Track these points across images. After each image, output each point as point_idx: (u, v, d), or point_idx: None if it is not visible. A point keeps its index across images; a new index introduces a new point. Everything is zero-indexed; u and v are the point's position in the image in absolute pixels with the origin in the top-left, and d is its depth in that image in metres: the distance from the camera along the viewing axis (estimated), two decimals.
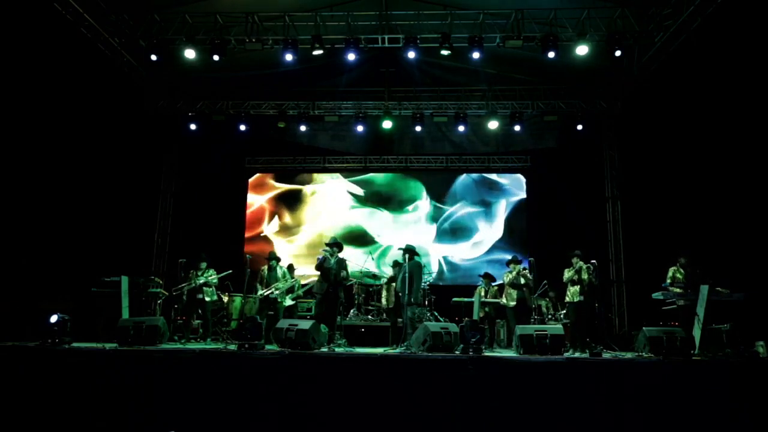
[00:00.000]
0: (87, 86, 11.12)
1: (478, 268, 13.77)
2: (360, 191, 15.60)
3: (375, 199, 15.52)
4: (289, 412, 5.91)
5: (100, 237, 11.67)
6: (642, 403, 5.89)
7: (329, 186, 15.70)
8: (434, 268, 14.46)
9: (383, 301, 10.87)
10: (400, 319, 9.10)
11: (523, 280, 9.30)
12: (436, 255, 14.96)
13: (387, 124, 13.72)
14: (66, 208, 11.14)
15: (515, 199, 15.28)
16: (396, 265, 10.12)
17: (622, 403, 5.92)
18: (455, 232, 15.16)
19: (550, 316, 10.63)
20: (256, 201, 15.68)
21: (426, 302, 10.51)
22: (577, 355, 7.92)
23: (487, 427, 5.82)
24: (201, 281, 9.51)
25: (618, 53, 10.65)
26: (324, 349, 7.24)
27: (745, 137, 10.68)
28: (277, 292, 9.55)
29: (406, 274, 8.30)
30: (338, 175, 15.73)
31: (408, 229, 15.10)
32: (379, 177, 15.71)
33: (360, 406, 5.92)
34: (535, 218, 14.77)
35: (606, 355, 7.27)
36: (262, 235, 15.43)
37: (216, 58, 10.84)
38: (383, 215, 15.39)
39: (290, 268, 10.90)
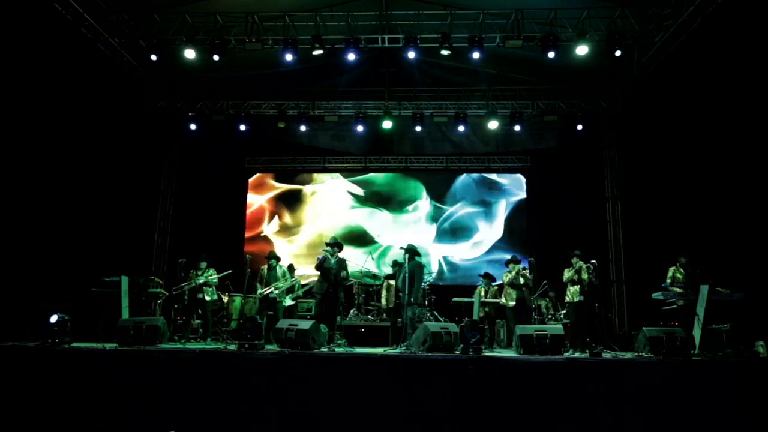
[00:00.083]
0: (87, 86, 11.12)
1: (478, 268, 13.77)
2: (360, 191, 15.60)
3: (375, 199, 15.52)
4: (289, 412, 5.91)
5: (100, 237, 11.67)
6: (642, 403, 5.89)
7: (329, 186, 15.70)
8: (434, 268, 14.47)
9: (383, 301, 10.87)
10: (399, 319, 9.10)
11: (522, 280, 9.29)
12: (435, 255, 14.96)
13: (387, 124, 13.73)
14: (66, 208, 11.13)
15: (515, 199, 15.28)
16: (396, 264, 10.12)
17: (622, 403, 5.92)
18: (455, 232, 15.16)
19: (550, 316, 10.63)
20: (256, 201, 15.68)
21: (426, 302, 10.51)
22: (577, 355, 7.92)
23: (487, 427, 5.82)
24: (201, 281, 9.51)
25: (618, 53, 10.66)
26: (324, 349, 7.24)
27: (745, 137, 10.68)
28: (276, 291, 9.55)
29: (407, 274, 8.30)
30: (338, 175, 15.74)
31: (408, 229, 15.10)
32: (379, 177, 15.71)
33: (360, 406, 5.92)
34: (535, 218, 14.77)
35: (606, 355, 7.27)
36: (262, 235, 15.43)
37: (216, 58, 10.84)
38: (383, 215, 15.39)
39: (290, 268, 10.90)
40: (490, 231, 15.07)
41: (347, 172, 15.73)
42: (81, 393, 6.03)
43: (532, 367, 6.25)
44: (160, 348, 7.02)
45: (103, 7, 10.80)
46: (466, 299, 10.77)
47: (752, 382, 6.01)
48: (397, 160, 15.62)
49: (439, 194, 15.43)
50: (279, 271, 9.88)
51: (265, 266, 9.97)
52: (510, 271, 9.44)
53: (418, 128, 13.93)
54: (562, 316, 10.35)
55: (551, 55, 10.62)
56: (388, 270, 11.64)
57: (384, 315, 10.99)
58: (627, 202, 14.02)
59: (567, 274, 8.84)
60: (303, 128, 14.16)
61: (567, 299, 8.97)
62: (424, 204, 15.41)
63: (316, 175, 15.79)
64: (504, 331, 10.21)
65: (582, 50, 10.79)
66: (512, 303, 9.27)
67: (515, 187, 15.37)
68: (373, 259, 14.08)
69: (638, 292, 12.22)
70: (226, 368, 6.20)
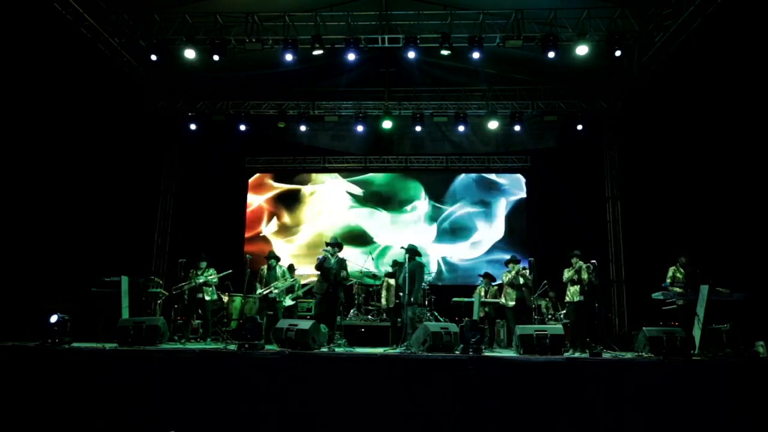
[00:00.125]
0: (87, 86, 11.12)
1: (478, 268, 13.77)
2: (359, 191, 15.60)
3: (373, 199, 15.52)
4: (289, 412, 5.91)
5: (100, 237, 11.67)
6: (642, 403, 5.89)
7: (328, 186, 15.70)
8: (433, 268, 14.46)
9: (383, 301, 10.87)
10: (399, 319, 9.10)
11: (522, 280, 9.29)
12: (434, 255, 14.96)
13: (387, 124, 13.73)
14: (66, 208, 11.13)
15: (514, 198, 15.28)
16: (396, 264, 10.12)
17: (622, 403, 5.92)
18: (454, 232, 15.17)
19: (550, 316, 10.63)
20: (255, 201, 15.68)
21: (426, 302, 10.51)
22: (577, 355, 7.92)
23: (487, 427, 5.82)
24: (201, 281, 9.50)
25: (618, 53, 10.66)
26: (324, 349, 7.24)
27: (744, 137, 10.68)
28: (275, 291, 9.54)
29: (406, 274, 8.30)
30: (336, 175, 15.74)
31: (407, 229, 15.10)
32: (377, 177, 15.71)
33: (360, 406, 5.92)
34: (535, 218, 14.77)
35: (606, 355, 7.27)
36: (261, 235, 15.43)
37: (216, 58, 10.84)
38: (382, 215, 15.39)
39: (291, 268, 10.90)
40: (490, 231, 15.07)
41: (347, 172, 15.73)
42: (81, 393, 6.03)
43: (532, 367, 6.25)
44: (160, 348, 7.02)
45: (103, 7, 10.80)
46: (466, 299, 10.76)
47: (752, 382, 6.01)
48: (397, 160, 15.62)
49: (437, 194, 15.44)
50: (279, 271, 9.88)
51: (265, 266, 9.98)
52: (509, 271, 9.44)
53: (418, 128, 13.93)
54: (562, 316, 10.35)
55: (551, 55, 10.62)
56: (387, 269, 11.64)
57: (384, 315, 10.99)
58: (627, 202, 14.03)
59: (567, 274, 8.84)
60: (303, 128, 14.16)
61: (567, 299, 8.97)
62: (422, 204, 15.41)
63: (314, 175, 15.79)
64: (504, 331, 10.21)
65: (582, 50, 10.79)
66: (512, 303, 9.26)
67: (514, 186, 15.37)
68: (373, 259, 14.08)
69: (638, 292, 12.22)
70: (226, 368, 6.20)
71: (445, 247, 15.06)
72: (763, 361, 6.94)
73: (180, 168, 15.00)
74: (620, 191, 14.18)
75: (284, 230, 15.46)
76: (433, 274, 13.68)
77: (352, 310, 11.33)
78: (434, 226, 15.22)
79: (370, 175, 15.69)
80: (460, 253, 14.98)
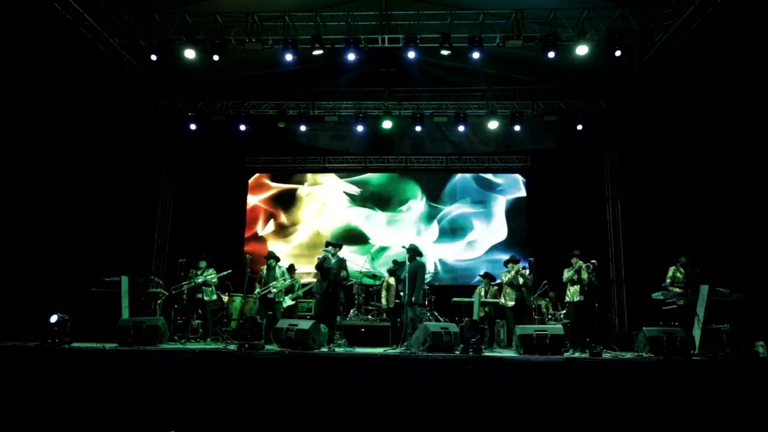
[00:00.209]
0: (87, 86, 11.12)
1: (477, 268, 13.77)
2: (356, 191, 15.59)
3: (370, 199, 15.51)
4: (289, 412, 5.91)
5: (100, 237, 11.67)
6: (642, 403, 5.89)
7: (325, 186, 15.71)
8: (430, 268, 14.43)
9: (383, 301, 10.87)
10: (399, 319, 9.10)
11: (521, 280, 9.28)
12: (431, 255, 14.93)
13: (387, 124, 13.73)
14: (66, 208, 11.13)
15: (511, 197, 15.28)
16: (396, 264, 10.12)
17: (622, 403, 5.92)
18: (450, 231, 15.16)
19: (550, 316, 10.62)
20: (255, 201, 15.67)
21: (426, 302, 10.51)
22: (577, 355, 7.92)
23: (487, 427, 5.82)
24: (200, 281, 9.50)
25: (618, 53, 10.66)
26: (324, 349, 7.24)
27: (744, 137, 10.68)
28: (274, 291, 9.54)
29: (406, 274, 8.30)
30: (333, 175, 15.73)
31: (403, 230, 15.09)
32: (374, 177, 15.71)
33: (360, 406, 5.92)
34: (535, 218, 14.77)
35: (606, 355, 7.27)
36: (260, 235, 15.43)
37: (216, 58, 10.84)
38: (378, 215, 15.38)
39: (291, 268, 10.90)
40: (487, 230, 15.07)
41: (346, 172, 15.73)
42: (81, 393, 6.03)
43: (532, 367, 6.25)
44: (160, 348, 7.02)
45: (103, 7, 10.81)
46: (466, 299, 10.77)
47: (752, 382, 6.01)
48: (396, 160, 15.62)
49: (434, 194, 15.42)
50: (278, 272, 9.87)
51: (265, 266, 9.98)
52: (509, 271, 9.44)
53: (418, 128, 13.93)
54: (562, 316, 10.35)
55: (551, 55, 10.62)
56: (384, 270, 11.65)
57: (384, 315, 10.99)
58: (627, 202, 14.03)
59: (567, 274, 8.84)
60: (303, 128, 14.16)
61: (567, 299, 8.97)
62: (419, 204, 15.39)
63: (312, 176, 15.80)
64: (504, 331, 10.20)
65: (582, 50, 10.79)
66: (511, 303, 9.26)
67: (511, 186, 15.38)
68: (372, 259, 14.08)
69: (638, 292, 12.22)
70: (226, 368, 6.20)
71: (442, 246, 15.04)
72: (763, 361, 6.94)
73: (180, 168, 15.00)
74: (620, 191, 14.18)
75: (282, 230, 15.45)
76: (430, 274, 13.68)
77: (352, 310, 11.33)
78: (431, 226, 15.20)
79: (366, 175, 15.69)
80: (456, 253, 14.96)
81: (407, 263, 8.50)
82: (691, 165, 11.81)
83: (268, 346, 7.04)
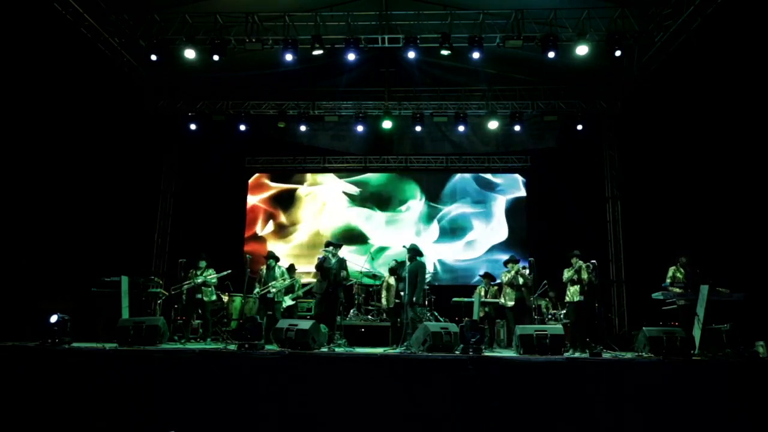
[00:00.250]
0: (87, 86, 11.12)
1: (477, 268, 13.76)
2: (355, 191, 15.59)
3: (370, 199, 15.51)
4: (289, 412, 5.91)
5: (100, 237, 11.67)
6: (642, 403, 5.89)
7: (325, 186, 15.70)
8: (429, 268, 14.41)
9: (383, 301, 10.86)
10: (399, 319, 9.10)
11: (521, 280, 9.28)
12: (431, 255, 14.91)
13: (387, 124, 13.73)
14: (66, 208, 11.13)
15: (511, 197, 15.27)
16: (397, 263, 10.12)
17: (622, 403, 5.92)
18: (449, 231, 15.15)
19: (550, 316, 10.62)
20: (255, 201, 15.67)
21: (426, 302, 10.51)
22: (577, 355, 7.92)
23: (487, 427, 5.82)
24: (200, 281, 9.50)
25: (618, 53, 10.66)
26: (324, 349, 7.24)
27: (744, 137, 10.68)
28: (273, 291, 9.54)
29: (406, 274, 8.30)
30: (332, 175, 15.73)
31: (403, 230, 15.09)
32: (373, 178, 15.70)
33: (360, 406, 5.92)
34: (535, 218, 14.77)
35: (606, 355, 7.27)
36: (260, 235, 15.44)
37: (216, 58, 10.84)
38: (378, 215, 15.37)
39: (291, 268, 10.89)
40: (487, 230, 15.06)
41: (346, 173, 15.73)
42: (81, 393, 6.03)
43: (532, 367, 6.25)
44: (160, 348, 7.02)
45: (103, 7, 10.81)
46: (466, 299, 10.77)
47: (752, 382, 6.01)
48: (397, 160, 15.61)
49: (434, 194, 15.42)
50: (277, 271, 9.88)
51: (264, 266, 9.98)
52: (509, 271, 9.44)
53: (418, 128, 13.93)
54: (562, 316, 10.35)
55: (551, 55, 10.62)
56: (385, 270, 11.64)
57: (384, 315, 10.99)
58: (627, 202, 14.03)
59: (567, 274, 8.84)
60: (303, 128, 14.16)
61: (567, 299, 8.97)
62: (418, 204, 15.39)
63: (310, 176, 15.79)
64: (504, 331, 10.20)
65: (582, 50, 10.79)
66: (511, 303, 9.26)
67: (511, 185, 15.37)
68: (372, 259, 14.08)
69: (638, 292, 12.22)
70: (226, 368, 6.20)
71: (441, 246, 15.03)
72: (763, 361, 6.94)
73: (180, 168, 15.00)
74: (620, 191, 14.18)
75: (280, 230, 15.44)
76: (430, 274, 13.68)
77: (352, 310, 11.33)
78: (430, 226, 15.20)
79: (366, 175, 15.68)
80: (456, 253, 14.96)
81: (407, 263, 8.49)
82: (691, 165, 11.81)
83: (268, 346, 7.04)
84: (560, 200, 14.11)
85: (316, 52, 11.06)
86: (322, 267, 8.56)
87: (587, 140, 14.16)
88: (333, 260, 8.63)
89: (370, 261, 13.78)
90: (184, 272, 9.68)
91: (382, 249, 14.94)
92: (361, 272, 11.96)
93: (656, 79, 12.06)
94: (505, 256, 11.26)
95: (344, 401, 5.94)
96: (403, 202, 15.43)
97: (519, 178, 15.38)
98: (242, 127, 14.01)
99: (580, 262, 8.78)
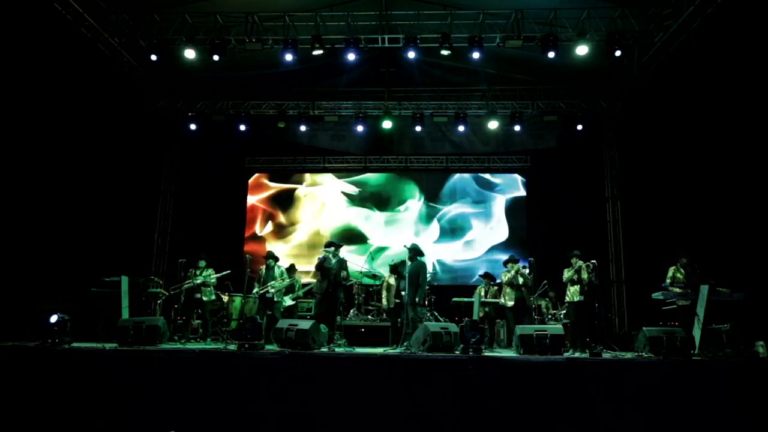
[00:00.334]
0: (87, 86, 11.11)
1: (477, 268, 13.76)
2: (354, 191, 15.58)
3: (369, 199, 15.50)
4: (289, 412, 5.91)
5: (100, 237, 11.67)
6: (642, 403, 5.89)
7: (324, 187, 15.70)
8: (429, 269, 14.38)
9: (383, 301, 10.85)
10: (399, 319, 9.10)
11: (521, 280, 9.28)
12: (430, 255, 14.88)
13: (387, 124, 13.73)
14: (66, 208, 11.13)
15: (511, 197, 15.27)
16: (396, 263, 10.12)
17: (622, 403, 5.92)
18: (450, 231, 15.14)
19: (550, 316, 10.62)
20: (254, 201, 15.67)
21: (426, 302, 10.51)
22: (577, 355, 7.92)
23: (487, 427, 5.82)
24: (199, 281, 9.50)
25: (618, 53, 10.66)
26: (324, 349, 7.24)
27: (744, 137, 10.68)
28: (272, 291, 9.54)
29: (407, 274, 8.30)
30: (331, 175, 15.73)
31: (402, 230, 15.08)
32: (372, 178, 15.69)
33: (360, 406, 5.92)
34: (535, 218, 14.77)
35: (606, 355, 7.27)
36: (259, 235, 15.44)
37: (216, 58, 10.84)
38: (377, 215, 15.37)
39: (291, 268, 10.89)
40: (486, 230, 15.06)
41: (346, 172, 15.72)
42: (81, 393, 6.03)
43: (532, 367, 6.25)
44: (160, 348, 7.02)
45: (103, 7, 10.80)
46: (466, 299, 10.77)
47: (752, 382, 6.01)
48: (396, 160, 15.61)
49: (433, 194, 15.41)
50: (277, 271, 9.88)
51: (264, 266, 9.98)
52: (508, 271, 9.44)
53: (418, 128, 13.93)
54: (562, 316, 10.35)
55: (551, 55, 10.62)
56: (384, 270, 11.64)
57: (384, 315, 10.99)
58: (627, 202, 14.03)
59: (567, 274, 8.83)
60: (303, 128, 14.16)
61: (567, 299, 8.97)
62: (417, 204, 15.38)
63: (309, 176, 15.78)
64: (504, 331, 10.20)
65: (582, 50, 10.79)
66: (511, 303, 9.26)
67: (510, 185, 15.36)
68: (372, 259, 14.08)
69: (638, 292, 12.22)
70: (226, 368, 6.20)
71: (440, 246, 15.01)
72: (763, 361, 6.94)
73: (180, 168, 15.00)
74: (620, 191, 14.19)
75: (280, 230, 15.44)
76: (430, 274, 13.66)
77: (352, 310, 11.33)
78: (430, 226, 15.19)
79: (365, 175, 15.67)
80: (455, 253, 14.95)
81: (408, 263, 8.49)
82: (691, 165, 11.81)
83: (268, 346, 7.04)
84: (560, 200, 14.11)
85: (316, 52, 11.06)
86: (322, 267, 8.56)
87: (587, 140, 14.16)
88: (333, 260, 8.63)
89: (369, 261, 13.79)
90: (184, 272, 9.69)
91: (381, 249, 14.93)
92: (361, 272, 11.96)
93: (656, 79, 12.06)
94: (504, 256, 11.25)
95: (344, 401, 5.94)
96: (402, 202, 15.43)
97: (519, 178, 15.38)
98: (242, 127, 14.01)
99: (580, 262, 8.78)
